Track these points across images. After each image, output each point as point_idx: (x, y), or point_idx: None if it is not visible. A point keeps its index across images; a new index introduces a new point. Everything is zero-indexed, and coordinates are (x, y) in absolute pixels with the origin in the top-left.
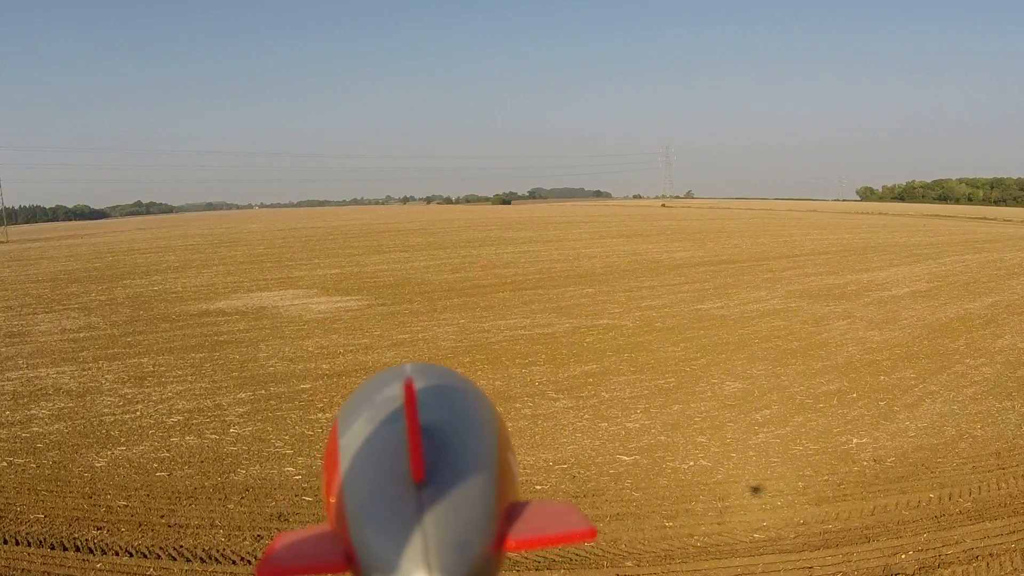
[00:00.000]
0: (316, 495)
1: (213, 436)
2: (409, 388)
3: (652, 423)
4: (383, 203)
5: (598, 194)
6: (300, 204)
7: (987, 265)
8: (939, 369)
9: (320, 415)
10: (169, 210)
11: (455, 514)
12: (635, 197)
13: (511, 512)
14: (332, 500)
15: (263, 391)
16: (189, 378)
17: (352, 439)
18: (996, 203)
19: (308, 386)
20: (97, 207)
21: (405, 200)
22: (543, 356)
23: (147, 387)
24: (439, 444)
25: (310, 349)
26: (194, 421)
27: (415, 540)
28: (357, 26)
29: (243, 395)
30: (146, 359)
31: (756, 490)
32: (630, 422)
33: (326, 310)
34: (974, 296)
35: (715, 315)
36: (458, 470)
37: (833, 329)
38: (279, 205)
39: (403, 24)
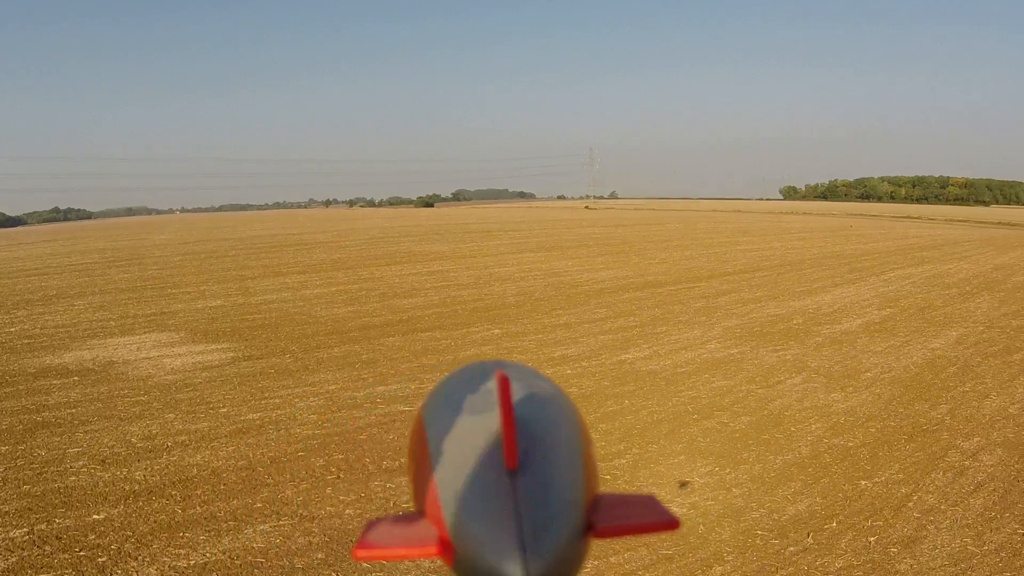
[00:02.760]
0: None
1: None
2: (504, 379)
3: None
4: (306, 206)
5: (522, 195)
6: (222, 208)
7: (935, 282)
8: (929, 461)
9: None
10: (88, 216)
11: (547, 501)
12: (559, 198)
13: (596, 503)
14: (424, 488)
15: (44, 525)
16: None
17: (441, 429)
18: (917, 201)
19: (102, 517)
20: (13, 214)
21: (328, 203)
22: None
23: None
24: (529, 434)
25: (134, 440)
26: None
27: (510, 525)
28: (281, 28)
29: (17, 533)
30: None
31: None
32: None
33: (181, 367)
34: (935, 328)
35: (642, 371)
36: (548, 459)
37: (787, 391)
38: (200, 210)
39: (327, 25)
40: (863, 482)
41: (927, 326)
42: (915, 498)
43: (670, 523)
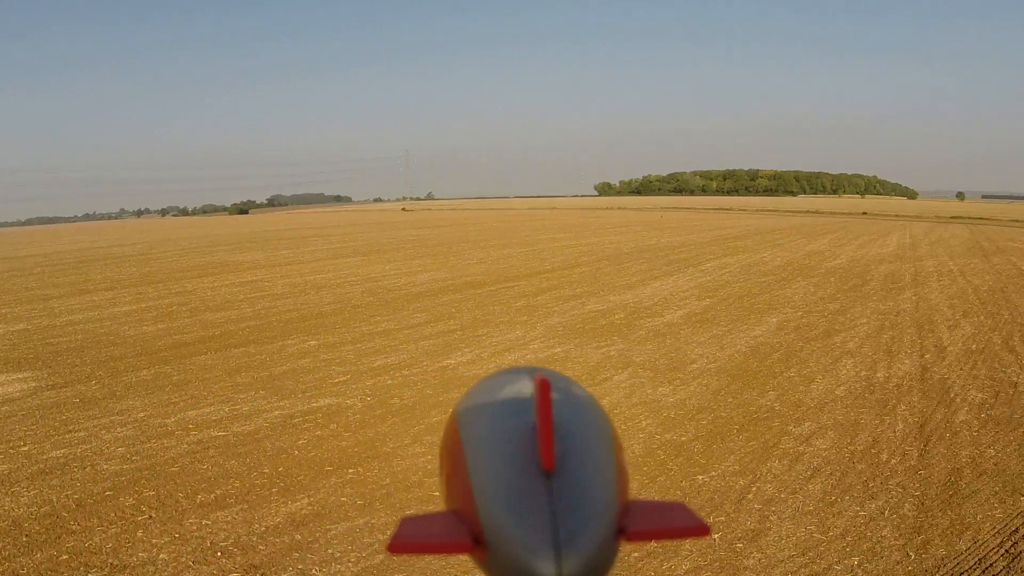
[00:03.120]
0: None
1: None
2: (544, 383)
3: None
4: (117, 217)
5: (339, 199)
6: (29, 222)
7: (750, 270)
8: (763, 449)
9: None
10: None
11: (581, 503)
12: (376, 201)
13: (627, 508)
14: (458, 487)
15: None
16: None
17: (476, 430)
18: (729, 193)
19: None
20: None
21: (139, 213)
22: (236, 485)
23: None
24: (564, 438)
25: None
26: None
27: (545, 525)
28: (90, 20)
29: None
30: None
31: None
32: None
33: None
34: (755, 316)
35: (466, 376)
36: (583, 463)
37: (615, 388)
38: (5, 225)
39: (134, 23)
40: (700, 477)
41: (748, 314)
42: (754, 489)
43: (700, 529)
